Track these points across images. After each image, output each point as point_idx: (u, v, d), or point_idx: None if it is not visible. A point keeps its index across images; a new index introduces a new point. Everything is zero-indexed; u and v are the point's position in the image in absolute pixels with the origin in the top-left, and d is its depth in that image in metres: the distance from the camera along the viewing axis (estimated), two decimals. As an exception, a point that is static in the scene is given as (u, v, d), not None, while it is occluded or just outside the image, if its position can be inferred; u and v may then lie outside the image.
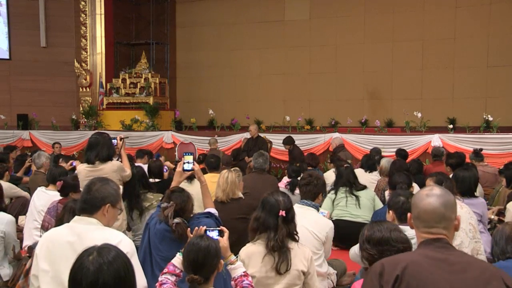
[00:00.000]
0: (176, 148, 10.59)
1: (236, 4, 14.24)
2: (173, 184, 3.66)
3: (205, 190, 3.69)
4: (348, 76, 13.11)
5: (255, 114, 11.89)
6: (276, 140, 9.91)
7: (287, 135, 9.50)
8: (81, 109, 12.89)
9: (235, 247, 3.01)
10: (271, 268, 2.91)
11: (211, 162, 5.62)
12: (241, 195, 4.53)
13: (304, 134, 10.40)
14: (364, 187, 5.74)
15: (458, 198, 3.93)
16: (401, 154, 7.71)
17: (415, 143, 9.16)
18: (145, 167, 5.90)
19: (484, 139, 8.72)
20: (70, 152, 11.12)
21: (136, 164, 6.11)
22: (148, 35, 14.18)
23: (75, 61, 13.20)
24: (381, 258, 2.45)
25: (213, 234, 2.74)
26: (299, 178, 4.66)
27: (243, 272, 2.71)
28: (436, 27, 12.24)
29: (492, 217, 5.14)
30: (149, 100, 12.27)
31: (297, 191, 5.88)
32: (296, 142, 9.28)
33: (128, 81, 12.82)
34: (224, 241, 2.74)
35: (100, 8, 12.97)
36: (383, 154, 7.87)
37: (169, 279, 2.61)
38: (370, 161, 6.90)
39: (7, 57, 13.54)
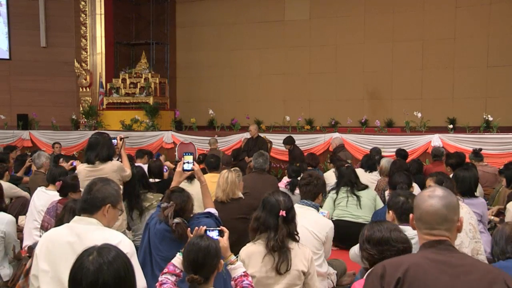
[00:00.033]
0: (176, 148, 10.59)
1: (236, 4, 14.24)
2: (173, 184, 3.66)
3: (205, 190, 3.69)
4: (348, 76, 13.11)
5: (255, 114, 11.89)
6: (276, 140, 9.91)
7: (287, 135, 9.50)
8: (81, 109, 12.90)
9: (235, 247, 3.01)
10: (271, 268, 2.91)
11: (211, 162, 5.62)
12: (241, 195, 4.53)
13: (304, 134, 10.39)
14: (365, 187, 5.73)
15: (458, 198, 3.92)
16: (401, 154, 7.71)
17: (415, 143, 9.16)
18: (145, 167, 5.90)
19: (484, 139, 8.72)
20: (70, 152, 11.12)
21: (136, 164, 6.11)
22: (148, 35, 14.18)
23: (75, 61, 13.21)
24: (381, 258, 2.46)
25: (213, 234, 2.74)
26: (299, 178, 4.66)
27: (243, 272, 2.71)
28: (436, 27, 12.24)
29: (492, 218, 5.14)
30: (149, 100, 12.27)
31: (297, 191, 5.88)
32: (296, 142, 9.28)
33: (128, 81, 12.82)
34: (224, 241, 2.74)
35: (100, 8, 12.97)
36: (383, 154, 7.87)
37: (169, 279, 2.61)
38: (370, 161, 6.90)
39: (7, 57, 13.54)
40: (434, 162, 7.45)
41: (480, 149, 7.23)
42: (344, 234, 4.88)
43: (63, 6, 13.46)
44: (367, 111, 12.08)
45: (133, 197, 4.50)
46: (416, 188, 5.25)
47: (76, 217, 2.57)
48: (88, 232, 2.44)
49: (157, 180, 5.76)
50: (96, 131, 8.28)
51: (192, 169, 3.67)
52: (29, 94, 13.32)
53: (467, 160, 6.84)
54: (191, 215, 3.33)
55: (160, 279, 2.64)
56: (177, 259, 2.65)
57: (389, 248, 2.48)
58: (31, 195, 5.28)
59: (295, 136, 9.41)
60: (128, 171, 4.43)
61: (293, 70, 13.64)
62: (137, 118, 11.73)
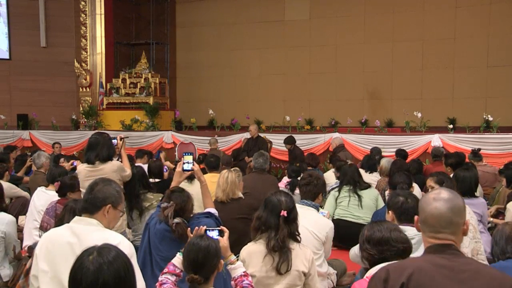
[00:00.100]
0: (176, 148, 10.59)
1: (236, 4, 14.24)
2: (173, 184, 3.66)
3: (205, 190, 3.69)
4: (348, 76, 13.11)
5: (255, 114, 11.89)
6: (276, 140, 9.91)
7: (287, 135, 9.50)
8: (81, 109, 12.90)
9: (235, 247, 3.01)
10: (271, 267, 2.91)
11: (210, 161, 5.62)
12: (241, 195, 4.53)
13: (304, 134, 10.39)
14: (368, 186, 5.71)
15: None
16: (401, 154, 7.71)
17: (415, 143, 9.16)
18: (145, 167, 5.89)
19: (484, 139, 8.72)
20: (70, 152, 11.12)
21: (136, 164, 6.11)
22: (148, 35, 14.18)
23: (75, 61, 13.21)
24: (381, 258, 2.46)
25: (213, 234, 2.74)
26: (299, 178, 4.66)
27: (243, 272, 2.71)
28: (436, 27, 12.24)
29: (492, 219, 5.14)
30: (149, 100, 12.27)
31: (297, 191, 5.87)
32: (296, 142, 9.28)
33: (128, 81, 12.82)
34: (224, 241, 2.74)
35: (100, 8, 12.97)
36: (383, 154, 7.87)
37: (169, 279, 2.62)
38: (371, 161, 6.89)
39: (7, 57, 13.54)
40: (434, 162, 7.45)
41: (479, 149, 7.23)
42: (344, 234, 4.88)
43: (63, 6, 13.46)
44: (367, 111, 12.08)
45: (133, 197, 4.49)
46: (416, 188, 5.26)
47: (76, 217, 2.57)
48: (88, 233, 2.44)
49: (157, 180, 5.76)
50: (96, 131, 8.28)
51: (192, 169, 3.67)
52: (29, 94, 13.32)
53: (467, 160, 6.84)
54: (191, 215, 3.33)
55: (160, 279, 2.64)
56: (177, 259, 2.65)
57: (389, 248, 2.48)
58: (31, 195, 5.28)
59: (295, 136, 9.41)
60: (128, 171, 4.43)
61: (293, 70, 13.64)
62: (137, 118, 11.73)
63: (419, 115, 9.62)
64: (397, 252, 2.47)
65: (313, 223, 3.65)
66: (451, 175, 4.80)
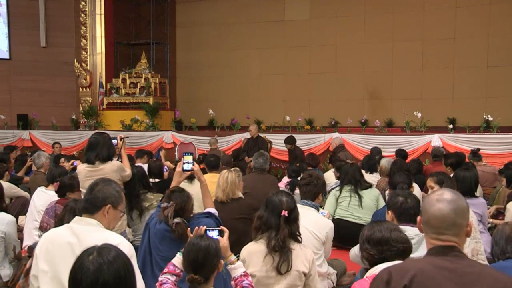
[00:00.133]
0: (176, 148, 10.59)
1: (236, 4, 14.24)
2: (173, 184, 3.66)
3: (205, 190, 3.69)
4: (348, 76, 13.11)
5: (255, 114, 11.89)
6: (276, 140, 9.91)
7: (287, 135, 9.50)
8: (81, 109, 12.89)
9: (235, 247, 3.01)
10: (271, 267, 2.91)
11: (210, 161, 5.62)
12: (241, 195, 4.53)
13: (304, 134, 10.39)
14: (369, 186, 5.70)
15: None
16: (401, 154, 7.71)
17: (415, 143, 9.16)
18: (145, 167, 5.89)
19: (484, 139, 8.72)
20: (70, 152, 11.12)
21: (136, 164, 6.11)
22: (148, 35, 14.18)
23: (75, 61, 13.21)
24: (381, 258, 2.46)
25: (213, 234, 2.74)
26: (299, 178, 4.66)
27: (243, 272, 2.71)
28: (436, 27, 12.24)
29: (491, 220, 5.14)
30: (149, 100, 12.27)
31: (297, 191, 5.87)
32: (296, 142, 9.28)
33: (128, 81, 12.81)
34: (224, 241, 2.74)
35: (100, 8, 12.97)
36: (383, 154, 7.87)
37: (169, 279, 2.62)
38: (371, 161, 6.89)
39: (7, 57, 13.54)
40: (434, 162, 7.45)
41: (478, 149, 7.24)
42: (345, 234, 4.89)
43: (63, 6, 13.46)
44: (367, 111, 12.08)
45: (133, 197, 4.49)
46: (416, 188, 5.26)
47: (77, 218, 2.57)
48: (87, 233, 2.44)
49: (157, 180, 5.76)
50: (96, 131, 8.28)
51: (192, 169, 3.67)
52: (29, 94, 13.32)
53: (467, 159, 6.84)
54: (191, 215, 3.33)
55: (160, 279, 2.64)
56: (177, 259, 2.65)
57: (389, 248, 2.47)
58: (31, 195, 5.28)
59: (295, 136, 9.41)
60: (128, 171, 4.43)
61: (293, 70, 13.64)
62: (137, 118, 11.73)
63: (419, 115, 9.62)
64: (397, 252, 2.47)
65: (313, 223, 3.65)
66: (451, 175, 4.80)
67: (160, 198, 3.76)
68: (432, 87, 12.33)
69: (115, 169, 4.30)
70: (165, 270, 2.66)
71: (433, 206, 1.87)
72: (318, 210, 3.92)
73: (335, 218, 5.48)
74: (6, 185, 5.45)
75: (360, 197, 5.55)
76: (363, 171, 6.61)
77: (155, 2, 14.32)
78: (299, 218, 3.06)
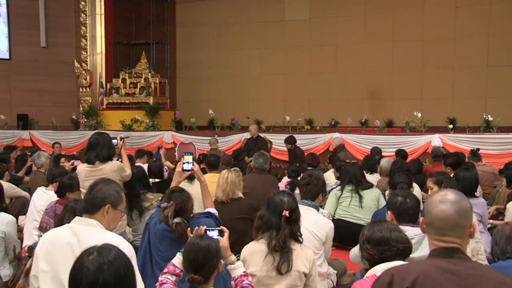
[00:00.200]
0: (176, 148, 10.59)
1: (236, 4, 14.24)
2: (173, 184, 3.66)
3: (205, 190, 3.69)
4: (348, 76, 13.11)
5: (255, 114, 11.90)
6: (276, 140, 9.91)
7: (287, 135, 9.50)
8: (81, 109, 12.90)
9: (235, 247, 3.01)
10: (272, 267, 2.91)
11: (210, 161, 5.62)
12: (241, 195, 4.53)
13: (304, 134, 10.39)
14: (370, 186, 5.68)
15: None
16: (401, 154, 7.71)
17: (415, 143, 9.16)
18: (145, 167, 5.89)
19: (484, 139, 8.72)
20: (70, 152, 11.12)
21: (136, 164, 6.11)
22: (148, 35, 14.19)
23: (75, 61, 13.21)
24: (381, 258, 2.46)
25: (213, 234, 2.74)
26: (299, 178, 4.66)
27: (243, 272, 2.71)
28: (436, 27, 12.24)
29: (491, 221, 5.14)
30: (149, 100, 12.27)
31: (297, 191, 5.86)
32: (296, 142, 9.28)
33: (128, 81, 12.82)
34: (224, 241, 2.74)
35: (100, 8, 12.97)
36: (383, 154, 7.87)
37: (169, 279, 2.62)
38: (371, 162, 6.88)
39: (7, 57, 13.54)
40: (434, 162, 7.45)
41: (478, 149, 7.24)
42: (345, 234, 4.88)
43: (63, 6, 13.47)
44: (367, 111, 12.08)
45: (133, 197, 4.49)
46: (416, 188, 5.26)
47: (77, 218, 2.57)
48: (87, 234, 2.43)
49: (157, 180, 5.76)
50: (96, 131, 8.28)
51: (192, 169, 3.67)
52: (29, 94, 13.33)
53: (466, 159, 6.84)
54: (191, 215, 3.33)
55: (160, 279, 2.64)
56: (177, 259, 2.65)
57: (389, 248, 2.47)
58: (31, 195, 5.28)
59: (295, 136, 9.41)
60: (128, 171, 4.44)
61: (293, 70, 13.65)
62: (137, 118, 11.73)
63: (419, 115, 9.62)
64: (397, 252, 2.47)
65: (313, 223, 3.65)
66: (451, 175, 4.80)
67: (160, 198, 3.76)
68: (432, 87, 12.33)
69: (115, 169, 4.30)
70: (165, 270, 2.66)
71: (436, 207, 1.85)
72: (318, 210, 3.92)
73: (335, 218, 5.48)
74: (6, 185, 5.45)
75: (360, 197, 5.54)
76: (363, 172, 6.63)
77: (155, 2, 14.32)
78: (300, 218, 3.06)
